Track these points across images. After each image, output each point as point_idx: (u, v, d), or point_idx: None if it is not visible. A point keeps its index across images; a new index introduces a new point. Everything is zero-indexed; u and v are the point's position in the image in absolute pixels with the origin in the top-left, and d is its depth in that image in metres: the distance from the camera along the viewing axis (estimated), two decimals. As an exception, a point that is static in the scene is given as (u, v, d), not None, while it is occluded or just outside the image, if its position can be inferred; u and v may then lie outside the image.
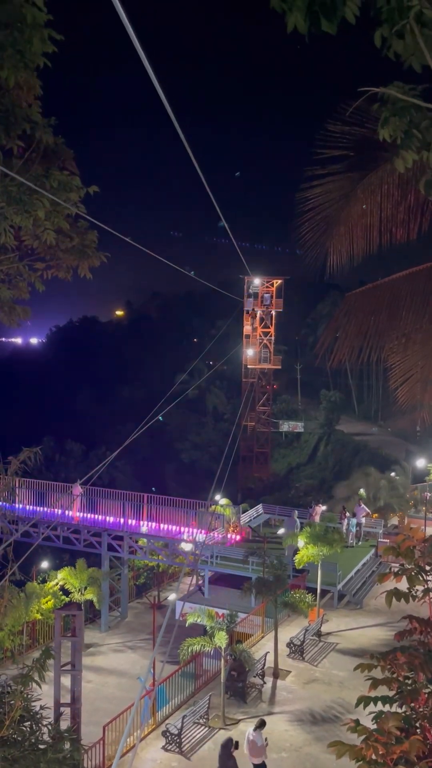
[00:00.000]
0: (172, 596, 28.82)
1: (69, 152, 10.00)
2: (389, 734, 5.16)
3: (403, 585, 6.35)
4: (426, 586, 6.22)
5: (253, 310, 63.61)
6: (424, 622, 6.13)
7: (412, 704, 5.74)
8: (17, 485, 31.86)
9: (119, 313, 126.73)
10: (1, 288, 10.90)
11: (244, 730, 17.29)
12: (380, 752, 5.14)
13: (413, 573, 6.13)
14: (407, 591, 6.17)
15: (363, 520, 32.20)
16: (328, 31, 4.10)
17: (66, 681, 13.24)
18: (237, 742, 15.31)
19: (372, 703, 5.77)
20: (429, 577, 6.22)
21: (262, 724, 15.61)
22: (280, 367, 67.35)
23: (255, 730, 15.46)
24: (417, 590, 6.19)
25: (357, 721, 5.49)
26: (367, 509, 33.66)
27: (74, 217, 10.31)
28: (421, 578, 6.17)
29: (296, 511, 31.28)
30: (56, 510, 32.17)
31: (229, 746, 15.09)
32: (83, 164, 10.35)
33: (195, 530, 29.60)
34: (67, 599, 27.93)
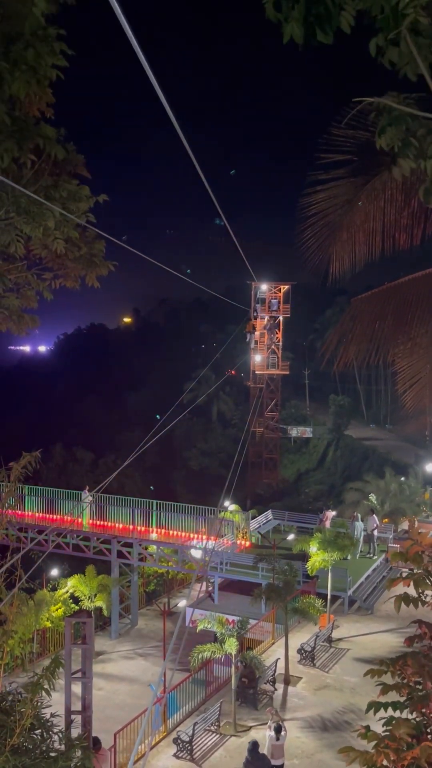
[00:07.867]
0: (182, 603, 28.77)
1: (80, 158, 10.04)
2: (400, 740, 5.13)
3: (413, 590, 6.33)
4: (435, 591, 6.21)
5: (258, 317, 63.44)
6: (433, 627, 6.12)
7: (423, 710, 5.72)
8: (24, 492, 32.01)
9: (127, 320, 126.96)
10: (9, 297, 10.96)
11: (256, 737, 17.25)
12: (391, 758, 5.12)
13: (422, 578, 6.12)
14: (417, 596, 6.16)
15: (376, 532, 31.89)
16: (324, 41, 4.10)
17: (76, 688, 13.23)
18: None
19: (383, 708, 5.76)
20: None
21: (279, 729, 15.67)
22: (288, 372, 67.18)
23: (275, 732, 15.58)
24: (426, 595, 6.17)
25: (368, 728, 5.47)
26: (378, 521, 33.42)
27: (83, 226, 10.35)
28: (429, 582, 6.16)
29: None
30: (66, 517, 32.22)
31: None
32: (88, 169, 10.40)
33: (204, 537, 29.56)
34: (77, 607, 27.93)
